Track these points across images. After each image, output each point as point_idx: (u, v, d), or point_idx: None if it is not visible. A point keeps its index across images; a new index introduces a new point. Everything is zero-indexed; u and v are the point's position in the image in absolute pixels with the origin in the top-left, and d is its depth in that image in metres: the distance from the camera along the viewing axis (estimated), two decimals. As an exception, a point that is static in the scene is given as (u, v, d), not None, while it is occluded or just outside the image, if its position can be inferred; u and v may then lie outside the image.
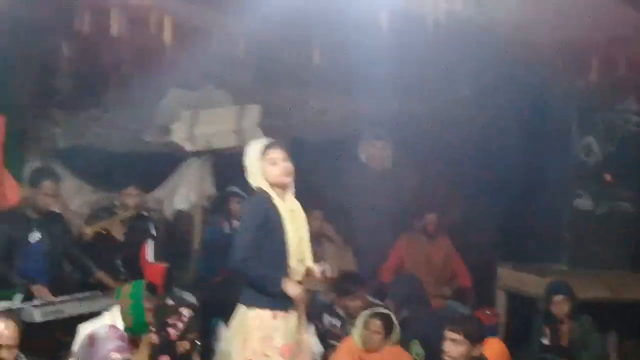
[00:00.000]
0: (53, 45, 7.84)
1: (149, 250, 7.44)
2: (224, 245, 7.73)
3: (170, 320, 5.69)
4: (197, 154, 8.30)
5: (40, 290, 6.88)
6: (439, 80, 8.37)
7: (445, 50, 7.53)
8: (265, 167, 5.69)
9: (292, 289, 5.56)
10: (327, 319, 7.41)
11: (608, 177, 8.57)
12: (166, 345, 5.69)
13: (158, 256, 7.42)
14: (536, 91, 8.58)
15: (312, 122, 8.69)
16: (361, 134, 8.83)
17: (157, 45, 7.59)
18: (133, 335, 5.82)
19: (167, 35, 6.81)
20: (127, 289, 6.19)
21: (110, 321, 5.91)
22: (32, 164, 7.97)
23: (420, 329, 6.84)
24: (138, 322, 5.98)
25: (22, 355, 5.51)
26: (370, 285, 7.78)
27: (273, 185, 5.72)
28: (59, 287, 7.08)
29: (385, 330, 6.62)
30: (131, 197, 7.76)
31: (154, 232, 7.84)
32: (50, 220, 7.31)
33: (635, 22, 6.85)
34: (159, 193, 8.49)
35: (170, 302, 5.82)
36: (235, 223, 7.98)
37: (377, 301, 7.57)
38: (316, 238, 7.92)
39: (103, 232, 7.62)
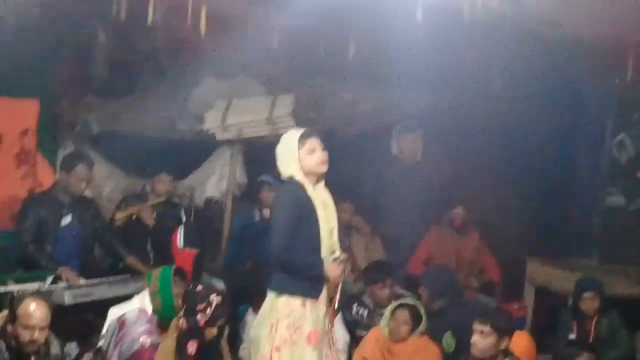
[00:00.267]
0: (89, 32, 7.91)
1: (179, 237, 7.49)
2: (254, 233, 7.86)
3: (198, 306, 5.70)
4: (229, 142, 8.33)
5: (67, 273, 6.95)
6: (473, 74, 8.34)
7: (479, 44, 7.50)
8: (302, 155, 5.71)
9: (333, 271, 5.61)
10: (355, 308, 7.44)
11: (640, 174, 8.53)
12: (194, 331, 5.70)
13: (188, 243, 7.46)
14: (570, 87, 8.55)
15: (344, 114, 8.68)
16: (393, 126, 8.81)
17: (193, 34, 7.63)
18: (161, 320, 5.88)
19: (202, 25, 6.84)
20: (156, 273, 6.25)
21: (139, 305, 5.97)
22: (65, 149, 8.05)
23: (453, 320, 6.84)
24: (166, 306, 6.03)
25: (54, 337, 5.59)
26: (399, 275, 7.79)
27: (307, 174, 5.73)
28: (89, 271, 7.16)
29: (413, 321, 6.63)
30: (163, 183, 7.82)
31: (184, 219, 7.91)
32: (82, 205, 7.38)
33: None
34: (190, 180, 8.54)
35: (199, 288, 5.83)
36: (266, 212, 8.02)
37: (406, 292, 7.60)
38: (346, 229, 7.95)
39: (134, 217, 7.69)
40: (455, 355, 6.55)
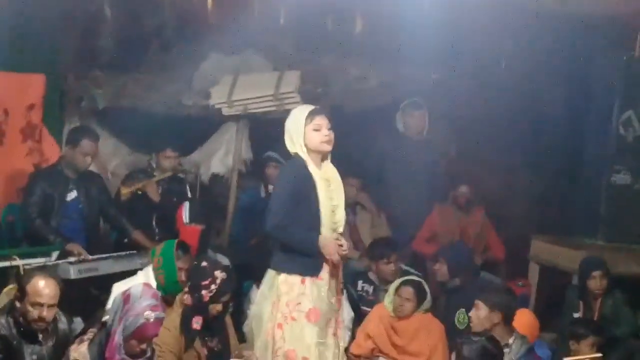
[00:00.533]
0: (96, 7, 7.89)
1: (185, 212, 7.49)
2: (259, 209, 7.84)
3: (203, 282, 5.72)
4: (235, 118, 8.32)
5: (75, 248, 6.96)
6: (480, 51, 8.32)
7: (487, 20, 7.48)
8: (307, 131, 5.71)
9: (328, 247, 5.62)
10: (360, 285, 7.46)
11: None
12: (199, 307, 5.73)
13: (194, 218, 7.47)
14: (578, 64, 8.50)
15: (350, 90, 8.67)
16: (399, 103, 8.79)
17: (200, 9, 7.63)
18: (166, 295, 5.90)
19: (209, 0, 6.82)
20: (159, 248, 6.27)
21: (144, 280, 5.99)
22: (71, 124, 8.05)
23: (467, 298, 6.83)
24: (169, 281, 6.06)
25: (62, 314, 5.59)
26: (404, 252, 7.80)
27: (312, 151, 5.73)
28: (95, 246, 7.17)
29: (417, 297, 6.65)
30: (168, 159, 7.81)
31: (189, 195, 7.91)
32: (88, 180, 7.38)
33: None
34: (196, 156, 8.54)
35: (204, 263, 5.85)
36: (271, 188, 8.01)
37: (411, 269, 7.61)
38: (351, 206, 7.96)
39: (139, 193, 7.70)
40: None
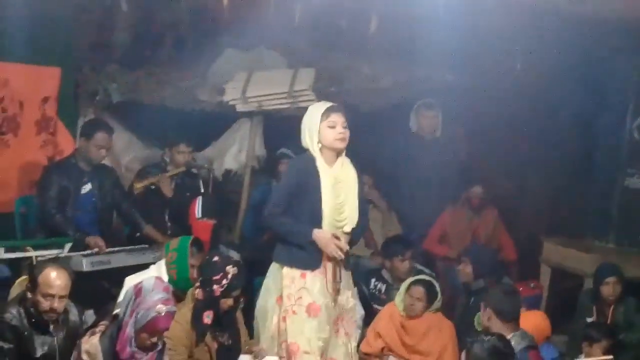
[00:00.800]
0: (112, 1, 7.91)
1: (198, 207, 7.51)
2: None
3: (214, 277, 5.74)
4: (248, 114, 8.34)
5: (96, 241, 6.99)
6: (495, 52, 8.31)
7: (502, 23, 7.47)
8: (322, 128, 5.73)
9: (323, 241, 5.65)
10: (373, 283, 7.46)
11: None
12: (210, 301, 5.75)
13: (206, 213, 7.49)
14: (593, 68, 8.49)
15: (364, 89, 8.67)
16: (413, 103, 8.79)
17: (215, 5, 7.64)
18: (177, 289, 5.92)
19: (225, -4, 6.84)
20: (174, 244, 6.28)
21: (156, 274, 6.00)
22: (85, 117, 8.07)
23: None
24: (181, 277, 6.08)
25: (73, 305, 5.62)
26: (415, 251, 7.80)
27: (324, 148, 5.75)
28: (107, 239, 7.18)
29: (428, 297, 6.65)
30: (182, 154, 7.82)
31: (202, 190, 7.93)
32: (102, 173, 7.40)
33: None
34: (209, 152, 8.56)
35: (215, 258, 5.87)
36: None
37: (425, 269, 7.61)
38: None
39: (152, 187, 7.72)
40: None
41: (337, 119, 5.75)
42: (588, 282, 7.44)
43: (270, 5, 7.38)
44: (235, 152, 8.45)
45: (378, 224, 8.42)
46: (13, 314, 5.38)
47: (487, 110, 8.72)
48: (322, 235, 5.71)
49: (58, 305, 5.37)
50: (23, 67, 7.55)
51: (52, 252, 6.65)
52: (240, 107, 8.21)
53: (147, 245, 7.26)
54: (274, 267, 5.90)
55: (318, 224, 5.73)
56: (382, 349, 6.74)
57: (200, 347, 5.73)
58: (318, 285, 5.78)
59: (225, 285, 5.74)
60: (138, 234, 7.49)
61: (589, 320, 6.94)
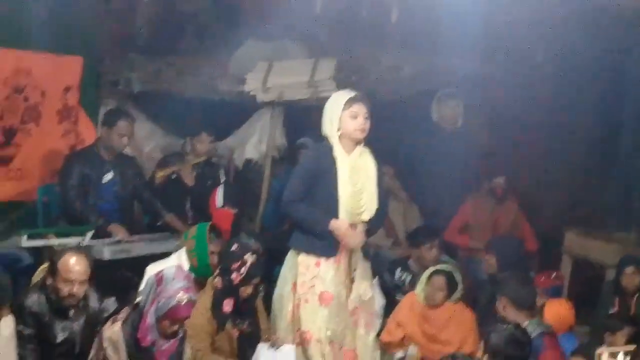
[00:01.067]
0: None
1: (219, 196, 7.53)
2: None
3: (233, 265, 5.76)
4: (269, 104, 8.33)
5: (118, 230, 7.02)
6: (517, 43, 8.27)
7: (524, 14, 7.44)
8: (344, 117, 5.73)
9: (339, 230, 5.65)
10: (398, 273, 7.43)
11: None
12: (230, 289, 5.77)
13: (227, 202, 7.52)
14: (615, 58, 8.45)
15: (386, 79, 8.65)
16: (434, 93, 8.77)
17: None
18: (197, 277, 5.94)
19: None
20: (192, 231, 6.31)
21: (177, 262, 6.03)
22: (107, 107, 8.09)
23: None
24: (202, 264, 6.10)
25: (93, 291, 5.66)
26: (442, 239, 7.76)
27: (344, 137, 5.75)
28: (129, 228, 7.22)
29: (448, 287, 6.63)
30: (203, 143, 7.84)
31: (223, 179, 7.94)
32: (124, 162, 7.43)
33: None
34: (230, 141, 8.58)
35: (234, 247, 5.89)
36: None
37: (451, 259, 7.59)
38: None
39: (173, 176, 7.74)
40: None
41: (360, 109, 5.74)
42: (610, 273, 7.41)
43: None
44: (255, 142, 8.45)
45: (399, 215, 8.41)
46: (34, 300, 5.46)
47: (508, 102, 8.69)
48: (339, 224, 5.71)
49: (78, 290, 5.42)
50: (45, 56, 7.57)
51: (74, 240, 6.68)
52: (261, 97, 8.20)
53: (169, 234, 7.28)
54: (290, 254, 5.95)
55: (335, 211, 5.73)
56: (403, 338, 6.73)
57: (221, 334, 5.76)
58: (331, 273, 5.79)
59: (244, 274, 5.77)
60: (159, 223, 7.52)
61: (612, 311, 6.92)
